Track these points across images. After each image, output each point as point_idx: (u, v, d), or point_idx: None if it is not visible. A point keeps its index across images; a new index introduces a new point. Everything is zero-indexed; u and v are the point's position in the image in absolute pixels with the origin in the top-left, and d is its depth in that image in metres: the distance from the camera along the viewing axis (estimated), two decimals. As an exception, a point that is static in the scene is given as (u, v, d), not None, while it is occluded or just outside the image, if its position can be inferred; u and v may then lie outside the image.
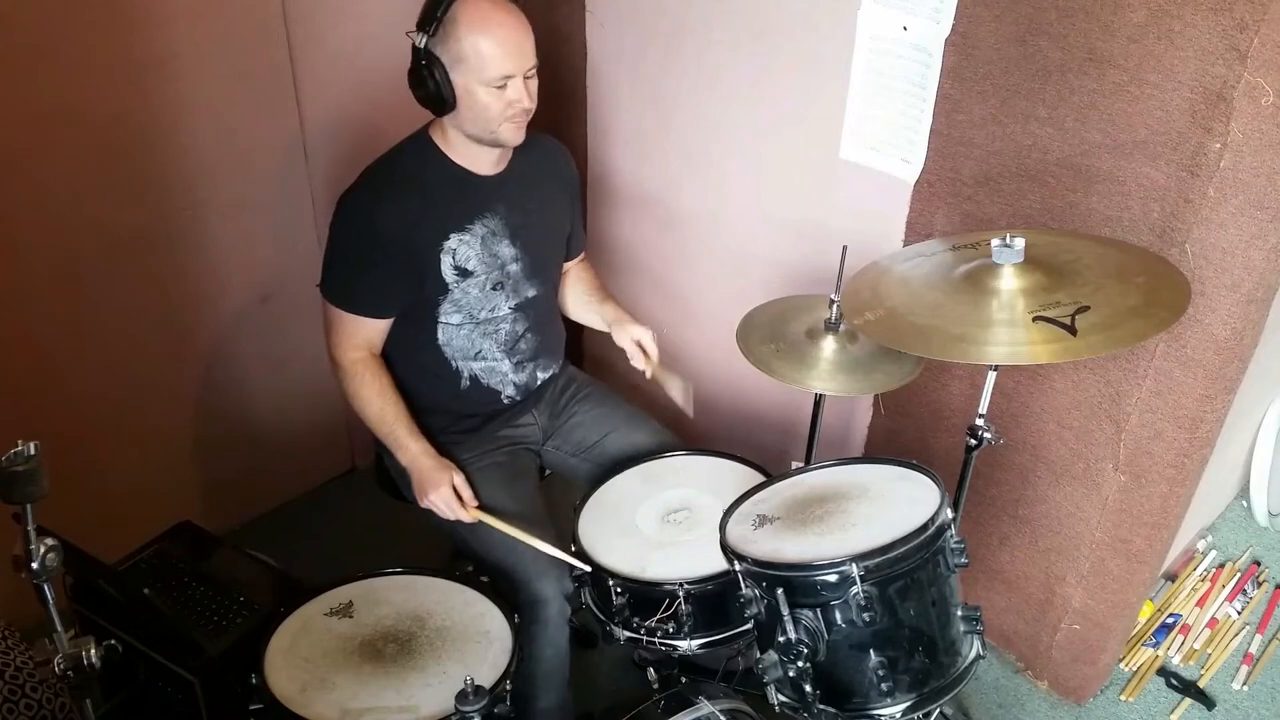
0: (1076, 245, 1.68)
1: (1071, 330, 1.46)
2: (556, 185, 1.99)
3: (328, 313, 1.83)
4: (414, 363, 1.90)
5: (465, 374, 1.92)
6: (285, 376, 2.55)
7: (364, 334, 1.83)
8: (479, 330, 1.89)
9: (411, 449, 1.83)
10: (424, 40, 1.67)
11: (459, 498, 1.81)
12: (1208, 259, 1.72)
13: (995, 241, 1.58)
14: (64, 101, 1.97)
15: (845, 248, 1.77)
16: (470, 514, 1.81)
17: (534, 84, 1.74)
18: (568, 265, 2.11)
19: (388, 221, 1.76)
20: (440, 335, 1.88)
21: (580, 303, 2.12)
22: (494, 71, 1.66)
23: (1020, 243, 1.57)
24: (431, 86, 1.69)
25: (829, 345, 1.83)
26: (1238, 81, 1.58)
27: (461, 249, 1.81)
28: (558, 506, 1.92)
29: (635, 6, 2.46)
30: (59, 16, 1.91)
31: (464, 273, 1.83)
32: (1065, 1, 1.71)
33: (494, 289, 1.87)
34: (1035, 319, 1.49)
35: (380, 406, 1.84)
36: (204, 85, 2.16)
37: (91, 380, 2.20)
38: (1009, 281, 1.56)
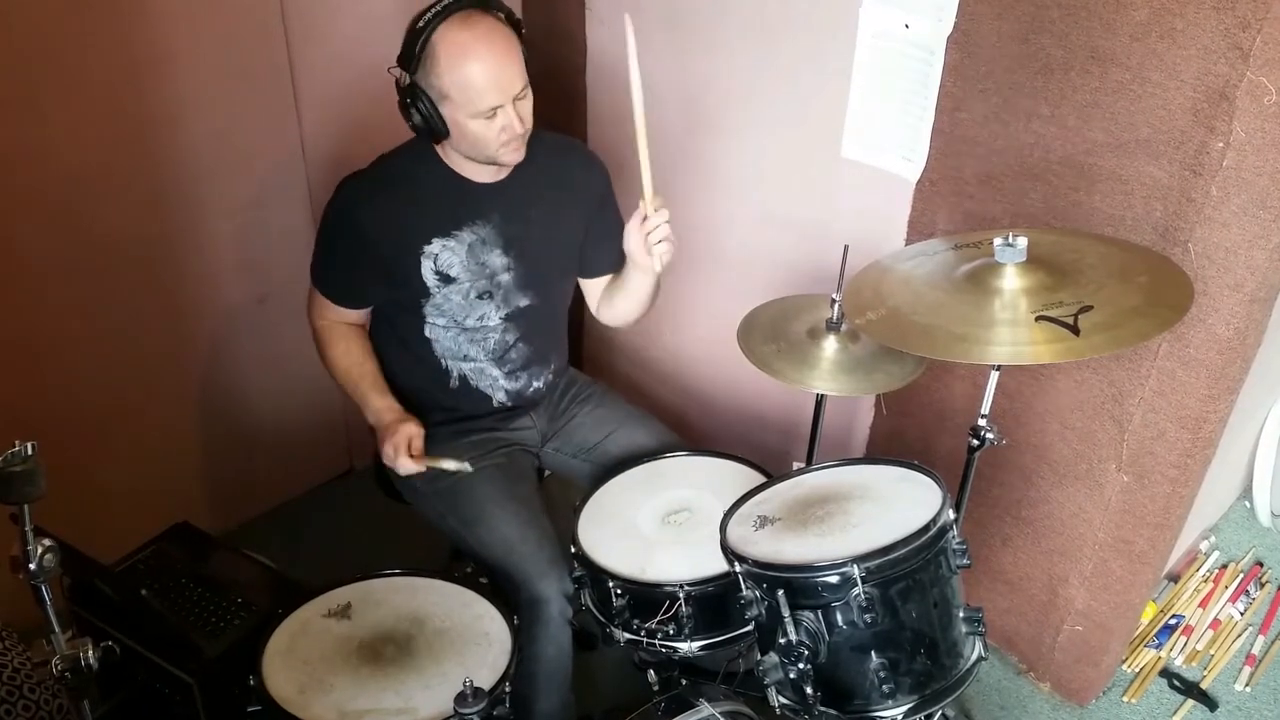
0: (1079, 244, 1.68)
1: (1074, 330, 1.45)
2: (570, 194, 1.92)
3: (311, 286, 1.90)
4: (407, 357, 1.90)
5: (455, 373, 1.91)
6: (283, 376, 2.54)
7: (335, 313, 1.89)
8: (466, 336, 1.88)
9: (374, 404, 1.83)
10: (406, 77, 1.65)
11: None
12: (1210, 258, 1.71)
13: (998, 241, 1.57)
14: (61, 101, 1.96)
15: (847, 247, 1.76)
16: (419, 464, 1.78)
17: (526, 104, 1.69)
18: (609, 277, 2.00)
19: (369, 217, 1.76)
20: (428, 333, 1.88)
21: (614, 300, 2.02)
22: (480, 105, 1.63)
23: (1023, 242, 1.56)
24: (419, 120, 1.67)
25: (830, 345, 1.82)
26: (1240, 80, 1.57)
27: (444, 254, 1.79)
28: (558, 506, 1.92)
29: (636, 4, 2.45)
30: (58, 16, 1.90)
31: (446, 278, 1.81)
32: (1067, -1, 1.71)
33: (480, 298, 1.84)
34: (1038, 319, 1.48)
35: (346, 365, 1.87)
36: (202, 85, 2.15)
37: (89, 381, 2.20)
38: (1011, 281, 1.55)
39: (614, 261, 1.97)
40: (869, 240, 2.05)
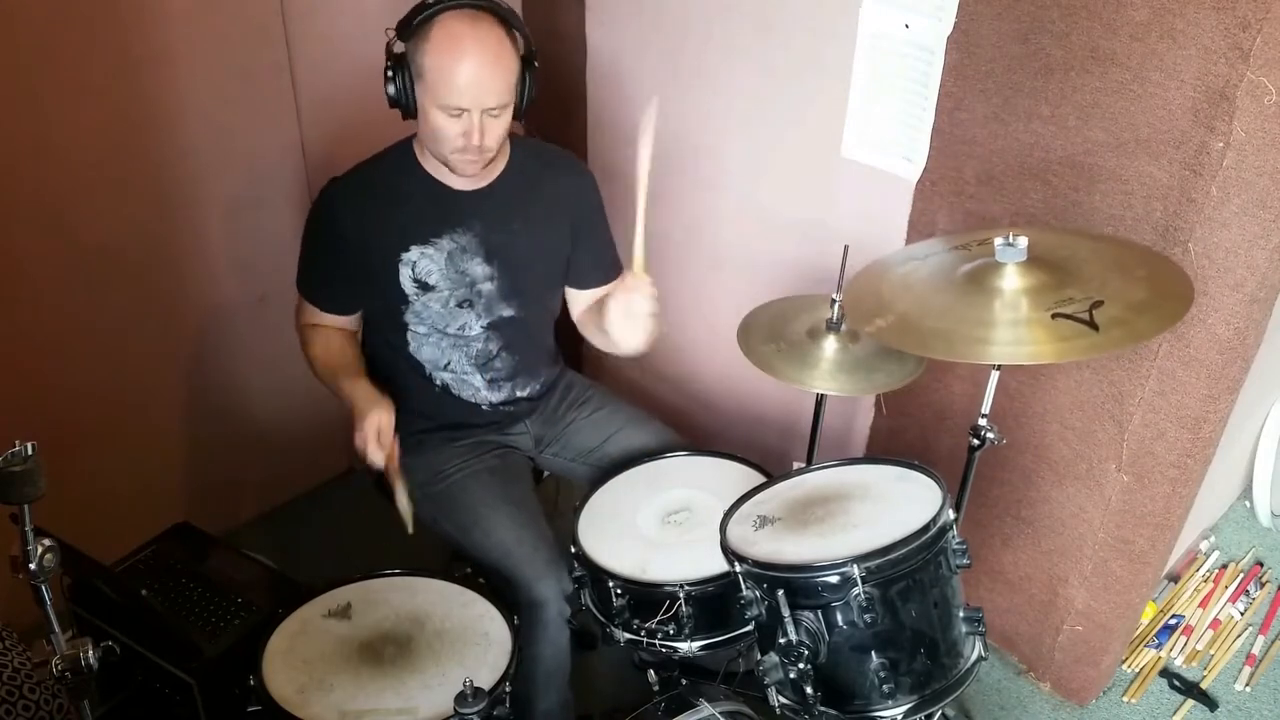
0: (1069, 242, 1.67)
1: (1093, 325, 1.44)
2: (557, 206, 1.90)
3: (298, 294, 1.91)
4: (392, 363, 1.90)
5: (438, 381, 1.91)
6: (282, 376, 2.53)
7: (322, 320, 1.88)
8: (448, 342, 1.87)
9: (347, 390, 1.75)
10: (399, 45, 1.64)
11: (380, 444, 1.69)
12: (1210, 258, 1.71)
13: (999, 240, 1.57)
14: (60, 100, 1.96)
15: (847, 247, 1.76)
16: (387, 461, 1.69)
17: (497, 124, 1.66)
18: (603, 289, 1.96)
19: (349, 222, 1.76)
20: (410, 342, 1.87)
21: (590, 328, 1.99)
22: (446, 99, 1.62)
23: (1023, 242, 1.56)
24: (392, 91, 1.66)
25: (830, 345, 1.82)
26: (1240, 80, 1.57)
27: (422, 262, 1.79)
28: (558, 506, 1.91)
29: (636, 4, 2.45)
30: (56, 15, 1.90)
31: (424, 286, 1.80)
32: (1068, -1, 1.71)
33: (460, 306, 1.83)
34: (1054, 316, 1.48)
35: (325, 358, 1.85)
36: (202, 84, 2.15)
37: (88, 380, 2.19)
38: (1017, 281, 1.54)
39: (600, 276, 1.98)
40: (869, 240, 2.05)
